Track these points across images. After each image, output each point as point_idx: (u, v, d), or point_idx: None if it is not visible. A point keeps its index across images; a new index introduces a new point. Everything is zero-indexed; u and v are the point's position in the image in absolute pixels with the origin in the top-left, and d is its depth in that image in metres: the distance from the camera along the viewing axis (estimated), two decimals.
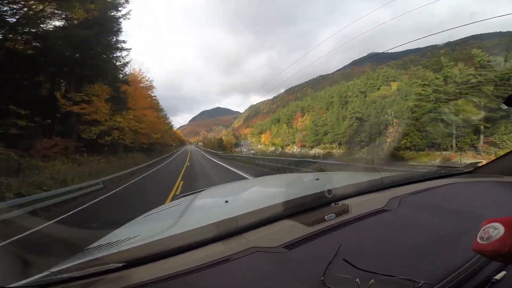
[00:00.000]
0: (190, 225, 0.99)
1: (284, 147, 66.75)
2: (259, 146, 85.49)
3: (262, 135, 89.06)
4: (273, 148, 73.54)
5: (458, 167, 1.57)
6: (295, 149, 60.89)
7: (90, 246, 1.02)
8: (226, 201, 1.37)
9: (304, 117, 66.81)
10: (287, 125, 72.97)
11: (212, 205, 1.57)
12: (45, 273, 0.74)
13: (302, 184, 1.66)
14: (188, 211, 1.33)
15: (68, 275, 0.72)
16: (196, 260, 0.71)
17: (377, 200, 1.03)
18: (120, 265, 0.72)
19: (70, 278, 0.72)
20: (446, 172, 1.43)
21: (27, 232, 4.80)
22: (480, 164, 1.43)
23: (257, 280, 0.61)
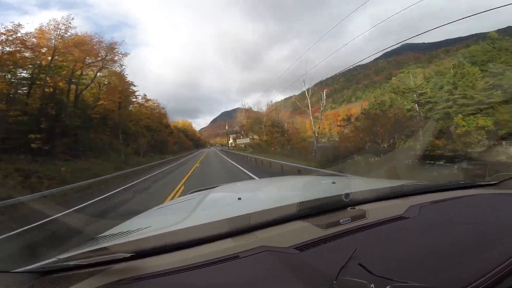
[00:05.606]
0: (201, 219, 0.98)
1: None
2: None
3: None
4: None
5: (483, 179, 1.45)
6: None
7: (101, 235, 1.03)
8: (239, 198, 1.36)
9: None
10: None
11: (225, 202, 1.55)
12: (53, 259, 0.74)
13: (319, 187, 1.62)
14: (200, 206, 1.32)
15: (74, 263, 0.72)
16: (205, 255, 0.70)
17: (396, 207, 1.00)
18: (128, 255, 0.71)
19: (76, 266, 0.72)
20: (471, 182, 1.34)
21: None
22: (508, 177, 1.31)
23: (265, 279, 0.60)
